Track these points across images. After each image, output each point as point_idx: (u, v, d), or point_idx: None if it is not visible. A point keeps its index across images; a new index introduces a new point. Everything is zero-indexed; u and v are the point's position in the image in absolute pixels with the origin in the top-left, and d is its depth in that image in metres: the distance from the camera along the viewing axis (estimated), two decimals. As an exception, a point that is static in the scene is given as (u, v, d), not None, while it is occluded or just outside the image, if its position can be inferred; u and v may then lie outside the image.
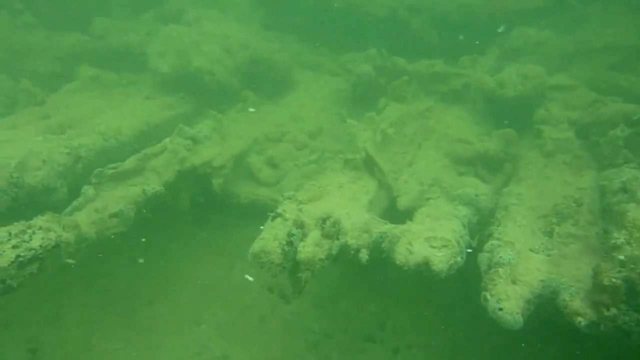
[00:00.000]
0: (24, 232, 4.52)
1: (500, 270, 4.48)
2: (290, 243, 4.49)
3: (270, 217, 4.80)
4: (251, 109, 8.41)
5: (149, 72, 8.83)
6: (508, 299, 4.24)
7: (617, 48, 9.36)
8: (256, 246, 4.46)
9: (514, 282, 4.45)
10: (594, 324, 4.06)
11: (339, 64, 10.36)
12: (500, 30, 9.77)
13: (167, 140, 6.70)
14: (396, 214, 6.02)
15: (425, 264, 4.67)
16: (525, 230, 5.30)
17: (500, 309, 4.18)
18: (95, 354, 5.85)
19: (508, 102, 7.62)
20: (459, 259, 4.85)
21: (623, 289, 3.92)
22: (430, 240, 4.96)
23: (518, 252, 4.76)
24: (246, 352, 5.95)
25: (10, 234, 4.45)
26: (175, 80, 8.51)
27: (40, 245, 4.48)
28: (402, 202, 6.13)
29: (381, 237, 5.18)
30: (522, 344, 5.30)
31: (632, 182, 5.09)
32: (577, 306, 4.19)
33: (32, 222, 4.72)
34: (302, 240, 4.60)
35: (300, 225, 4.68)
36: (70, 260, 4.93)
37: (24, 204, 5.65)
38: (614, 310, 3.93)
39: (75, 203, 5.51)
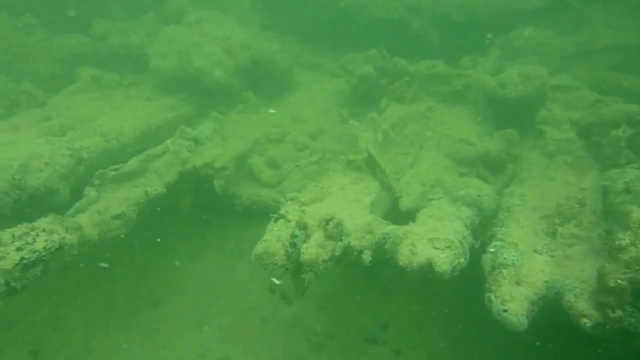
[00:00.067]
0: (27, 234, 4.50)
1: (504, 271, 4.47)
2: (293, 244, 4.47)
3: (272, 219, 4.78)
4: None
5: (150, 73, 8.82)
6: (512, 301, 4.23)
7: (617, 48, 9.38)
8: (259, 248, 4.44)
9: (518, 284, 4.44)
10: (600, 326, 4.04)
11: (339, 64, 10.38)
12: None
13: (168, 141, 6.68)
14: (398, 215, 6.01)
15: (429, 265, 4.66)
16: (528, 231, 5.28)
17: (505, 311, 4.16)
18: (97, 356, 5.84)
19: (509, 102, 7.62)
20: (462, 260, 4.84)
21: (628, 291, 3.91)
22: (433, 241, 4.95)
23: (522, 253, 4.75)
24: (248, 354, 5.94)
25: (13, 236, 4.43)
26: (176, 81, 8.50)
27: (44, 248, 4.46)
28: (405, 203, 6.11)
29: (384, 238, 5.16)
30: (525, 345, 5.29)
31: (635, 182, 5.08)
32: (582, 307, 4.17)
33: (35, 224, 4.69)
34: (305, 241, 4.59)
35: (303, 226, 4.66)
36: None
37: (26, 205, 5.64)
38: (619, 312, 3.91)
39: (77, 205, 5.49)
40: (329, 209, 5.23)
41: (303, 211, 4.97)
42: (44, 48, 9.46)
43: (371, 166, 6.39)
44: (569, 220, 5.31)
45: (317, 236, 4.66)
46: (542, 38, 9.42)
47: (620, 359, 4.73)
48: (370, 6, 10.45)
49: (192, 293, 6.58)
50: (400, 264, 4.85)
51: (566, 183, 6.08)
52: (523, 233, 5.22)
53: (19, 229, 4.56)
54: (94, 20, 9.86)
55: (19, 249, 4.34)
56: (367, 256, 4.99)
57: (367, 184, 6.26)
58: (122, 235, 5.64)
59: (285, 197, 5.40)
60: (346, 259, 5.00)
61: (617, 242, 4.34)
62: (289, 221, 4.69)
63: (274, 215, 4.79)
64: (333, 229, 4.70)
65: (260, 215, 6.54)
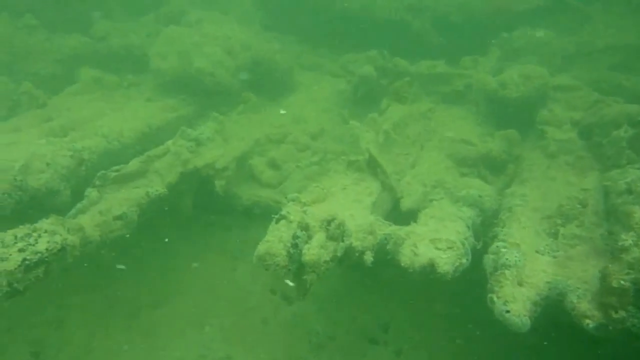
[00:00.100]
0: (29, 235, 4.50)
1: (507, 272, 4.46)
2: (295, 245, 4.47)
3: (274, 219, 4.78)
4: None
5: (151, 74, 8.82)
6: (515, 301, 4.22)
7: (618, 48, 9.37)
8: (261, 248, 4.43)
9: (520, 284, 4.43)
10: (602, 326, 4.03)
11: (339, 65, 10.37)
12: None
13: (169, 142, 6.69)
14: (399, 215, 6.01)
15: (431, 266, 4.66)
16: (530, 232, 5.28)
17: (508, 312, 4.16)
18: (98, 357, 5.83)
19: (510, 102, 7.62)
20: (464, 260, 4.84)
21: (631, 291, 3.91)
22: (435, 242, 4.95)
23: (524, 253, 4.74)
24: (249, 354, 5.94)
25: (15, 237, 4.43)
26: (176, 81, 8.50)
27: (47, 249, 4.46)
28: (406, 204, 6.11)
29: (386, 239, 5.16)
30: (527, 346, 5.29)
31: (637, 183, 5.09)
32: (585, 308, 4.17)
33: (37, 225, 4.69)
34: (307, 242, 4.58)
35: (305, 227, 4.66)
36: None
37: (28, 206, 5.64)
38: (622, 313, 3.91)
39: (79, 206, 5.50)
40: (331, 209, 5.22)
41: (305, 212, 4.96)
42: (45, 49, 9.45)
43: (372, 167, 6.39)
44: (571, 220, 5.31)
45: (319, 237, 4.65)
46: (543, 38, 9.41)
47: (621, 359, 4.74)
48: (371, 6, 10.44)
49: (193, 293, 6.57)
50: (403, 264, 4.85)
51: (567, 183, 6.07)
52: (525, 233, 5.22)
53: (21, 230, 4.56)
54: (94, 20, 9.84)
55: (21, 250, 4.34)
56: (369, 257, 4.99)
57: (368, 184, 6.25)
58: (128, 236, 5.65)
59: (286, 197, 5.39)
60: (348, 260, 4.99)
61: (619, 243, 4.35)
62: (291, 222, 4.68)
63: (276, 216, 4.78)
64: (335, 230, 4.70)
65: (261, 215, 6.56)
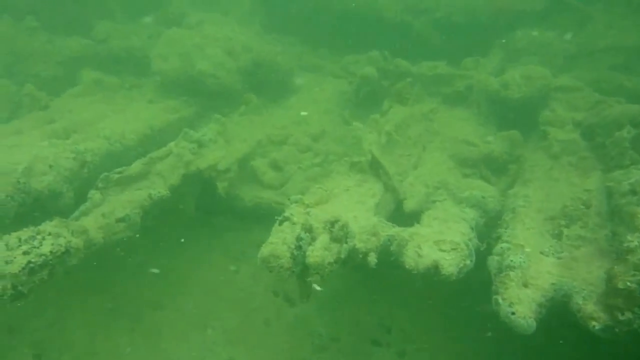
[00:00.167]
0: (33, 237, 4.49)
1: (512, 273, 4.46)
2: (299, 247, 4.46)
3: (277, 221, 4.76)
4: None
5: (152, 76, 8.82)
6: (520, 303, 4.21)
7: (619, 49, 9.38)
8: (265, 250, 4.42)
9: (525, 286, 4.42)
10: (609, 328, 4.02)
11: (340, 66, 10.37)
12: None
13: (172, 144, 6.68)
14: (402, 216, 6.00)
15: (435, 268, 4.65)
16: (533, 233, 5.27)
17: (513, 313, 4.15)
18: (100, 359, 5.82)
19: (512, 103, 7.62)
20: (468, 261, 4.83)
21: (637, 293, 3.90)
22: (439, 243, 4.94)
23: (528, 255, 4.74)
24: (252, 356, 5.94)
25: (20, 239, 4.42)
26: (178, 83, 8.49)
27: (51, 251, 4.45)
28: (409, 205, 6.10)
29: (389, 240, 5.13)
30: (532, 347, 5.28)
31: (640, 183, 5.09)
32: (591, 310, 4.16)
33: (41, 227, 4.69)
34: (310, 244, 4.58)
35: (308, 229, 4.65)
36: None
37: (31, 209, 5.63)
38: (628, 315, 3.90)
39: (82, 208, 5.49)
40: (334, 211, 5.21)
41: (308, 213, 4.95)
42: (46, 51, 9.45)
43: (375, 168, 6.38)
44: (575, 221, 5.29)
45: (323, 239, 4.64)
46: (544, 39, 9.42)
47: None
48: (372, 7, 10.44)
49: (195, 295, 6.56)
50: (407, 266, 4.84)
51: (570, 184, 6.06)
52: (529, 235, 5.20)
53: (25, 233, 4.56)
54: (95, 22, 9.84)
55: (25, 253, 4.34)
56: (372, 258, 4.96)
57: (371, 185, 6.23)
58: (137, 236, 5.67)
59: (289, 199, 5.38)
60: (351, 262, 4.98)
61: (625, 244, 4.33)
62: (294, 224, 4.66)
63: (279, 218, 4.77)
64: (338, 232, 4.68)
65: (264, 217, 6.53)
